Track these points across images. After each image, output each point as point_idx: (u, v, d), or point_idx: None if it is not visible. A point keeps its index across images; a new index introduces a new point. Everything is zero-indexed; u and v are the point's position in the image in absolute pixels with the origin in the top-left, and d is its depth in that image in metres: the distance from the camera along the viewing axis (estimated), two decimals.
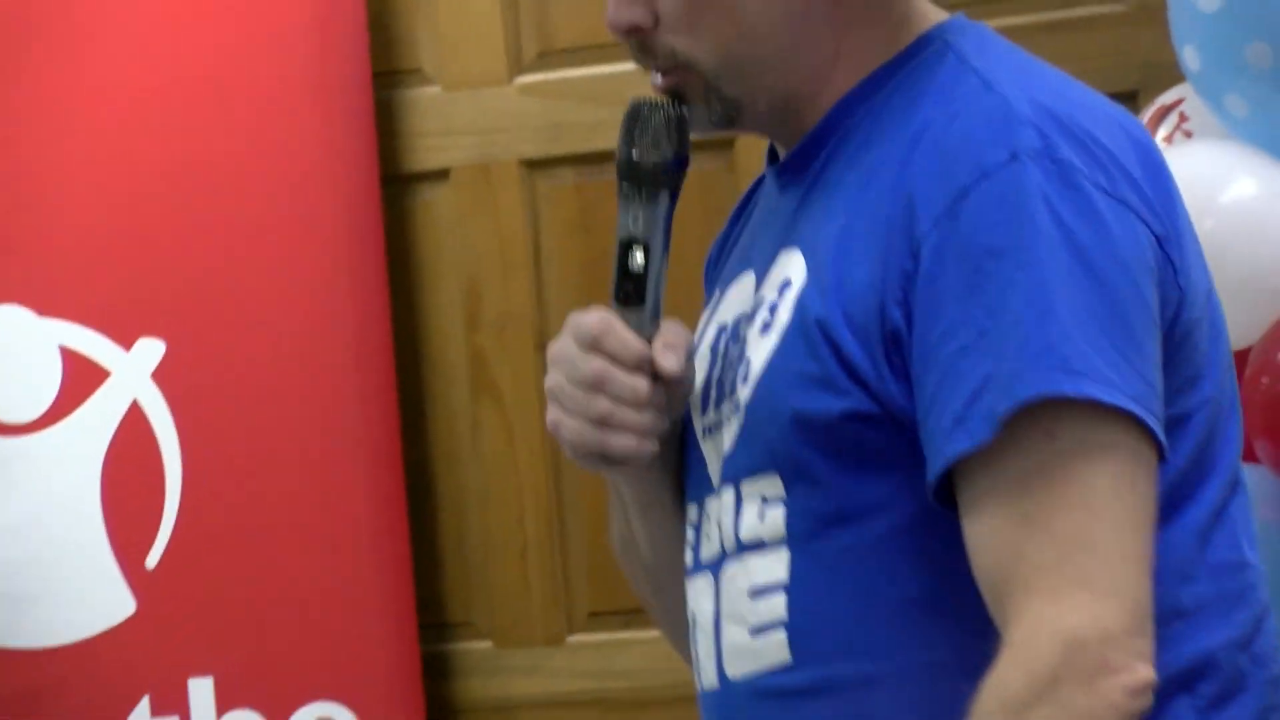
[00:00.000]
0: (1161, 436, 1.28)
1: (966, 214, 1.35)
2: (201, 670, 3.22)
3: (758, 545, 1.45)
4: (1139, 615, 1.26)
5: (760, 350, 1.43)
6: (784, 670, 1.45)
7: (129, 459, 3.28)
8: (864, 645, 1.41)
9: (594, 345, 1.42)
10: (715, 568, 1.49)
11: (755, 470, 1.46)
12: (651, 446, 1.46)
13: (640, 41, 1.48)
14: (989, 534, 1.33)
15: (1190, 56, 2.75)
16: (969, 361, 1.32)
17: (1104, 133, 1.36)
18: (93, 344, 3.29)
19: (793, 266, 1.44)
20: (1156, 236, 1.34)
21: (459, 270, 3.51)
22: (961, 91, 1.42)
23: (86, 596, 3.24)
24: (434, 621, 3.37)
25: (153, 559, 3.26)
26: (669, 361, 1.42)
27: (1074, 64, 3.32)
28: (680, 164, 1.48)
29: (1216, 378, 1.41)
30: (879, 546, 1.41)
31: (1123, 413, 1.27)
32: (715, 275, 1.65)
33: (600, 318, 1.44)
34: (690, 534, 1.53)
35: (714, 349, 1.51)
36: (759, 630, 1.46)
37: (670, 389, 1.45)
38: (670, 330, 1.45)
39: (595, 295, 3.45)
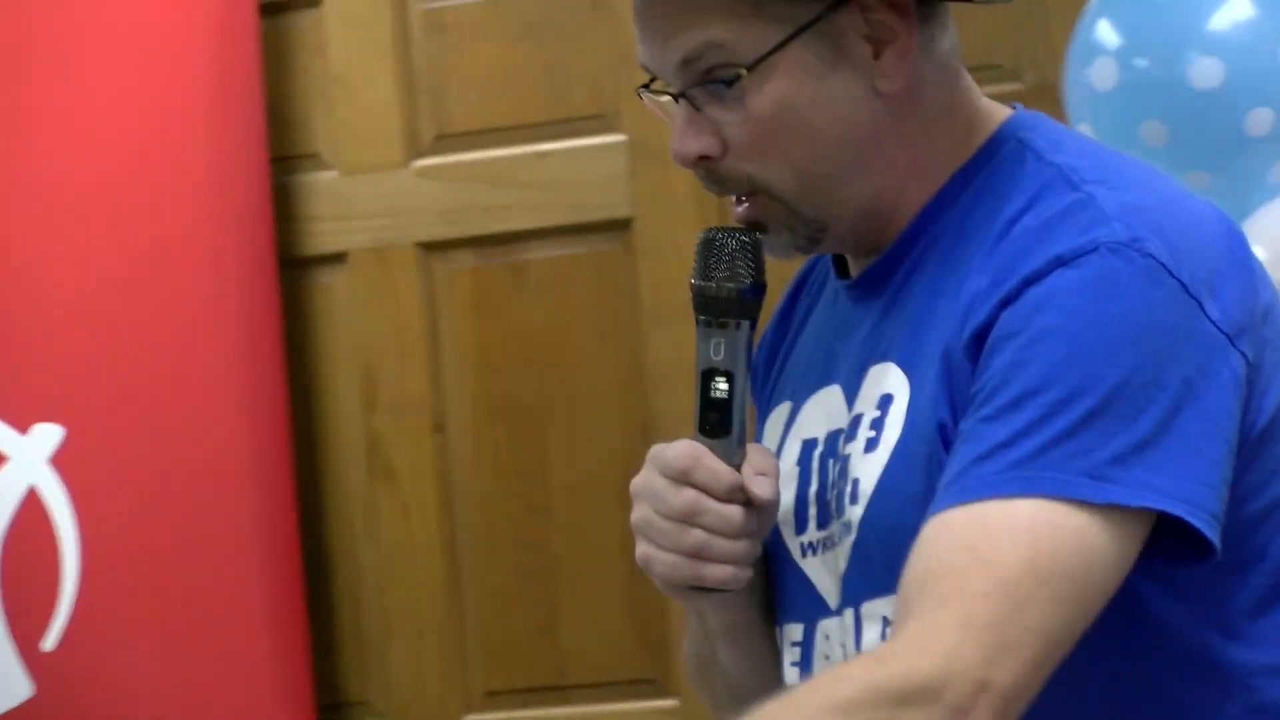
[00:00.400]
0: (1208, 534, 1.28)
1: (1037, 295, 1.37)
2: None
3: None
4: (1020, 697, 1.26)
5: (869, 469, 1.43)
6: None
7: (26, 542, 3.27)
8: None
9: (684, 477, 1.41)
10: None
11: (875, 592, 1.46)
12: (748, 574, 1.45)
13: (710, 170, 1.47)
14: (927, 549, 1.35)
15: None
16: (991, 429, 1.34)
17: (1193, 234, 1.36)
18: None
19: (891, 381, 1.44)
20: (1229, 335, 1.34)
21: (356, 354, 3.53)
22: (1047, 191, 1.42)
23: None
24: (332, 702, 3.37)
25: (50, 641, 3.24)
26: (764, 489, 1.42)
27: None
28: (757, 291, 1.46)
29: None
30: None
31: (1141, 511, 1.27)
32: (771, 382, 1.65)
33: (687, 449, 1.43)
34: (795, 652, 1.53)
35: (803, 465, 1.50)
36: None
37: (762, 515, 1.44)
38: (758, 456, 1.45)
39: (491, 377, 3.32)
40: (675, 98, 1.45)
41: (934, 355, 1.40)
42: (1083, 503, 1.27)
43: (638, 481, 1.44)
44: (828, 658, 1.46)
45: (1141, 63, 2.73)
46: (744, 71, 1.42)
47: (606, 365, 3.60)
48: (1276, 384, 1.37)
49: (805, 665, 1.49)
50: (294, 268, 3.54)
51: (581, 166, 3.62)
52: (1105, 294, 1.31)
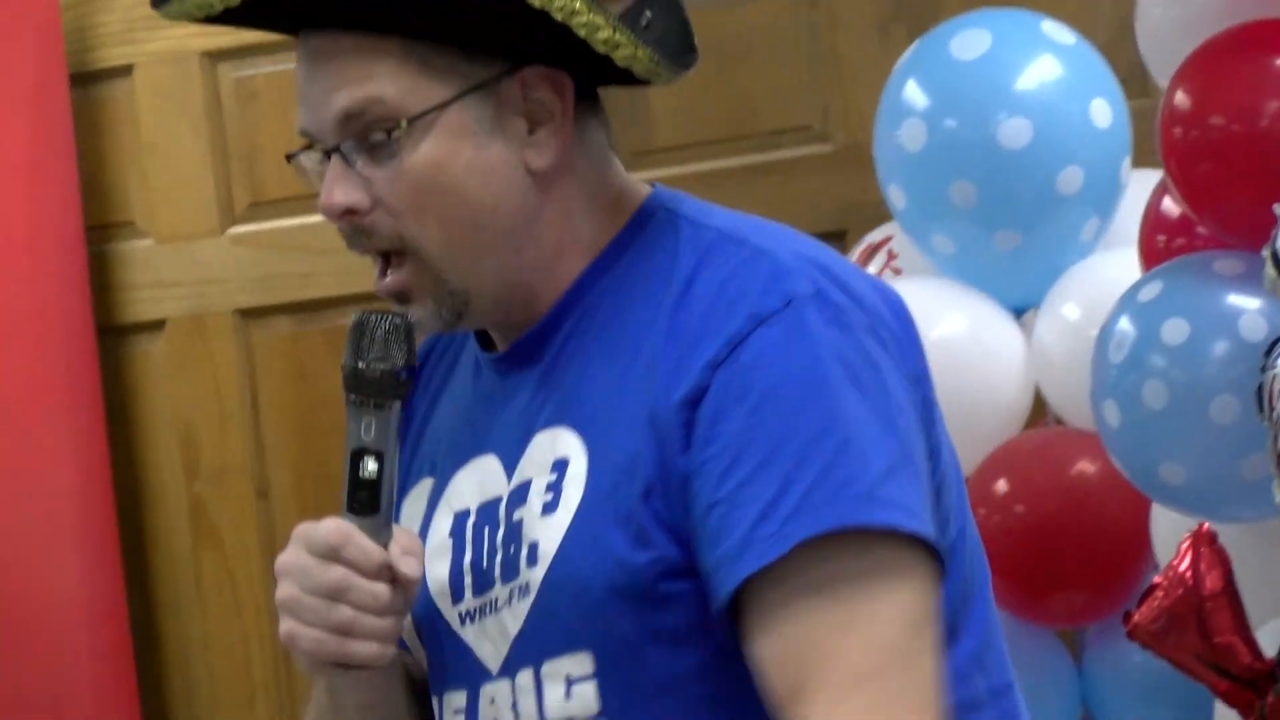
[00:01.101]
0: (945, 563, 1.36)
1: (746, 357, 1.39)
2: None
3: None
4: None
5: (550, 531, 1.44)
6: None
7: None
8: None
9: (333, 554, 1.40)
10: None
11: (557, 651, 1.47)
12: (392, 651, 1.46)
13: (356, 226, 1.47)
14: (794, 638, 1.38)
15: (896, 196, 2.84)
16: (752, 490, 1.38)
17: (857, 282, 1.42)
18: None
19: (564, 446, 1.45)
20: (915, 377, 1.41)
21: (177, 420, 3.56)
22: (715, 250, 1.46)
23: None
24: None
25: None
26: (411, 567, 1.43)
27: (783, 205, 3.31)
28: (410, 372, 1.47)
29: (963, 514, 1.47)
30: (696, 710, 1.45)
31: (919, 540, 1.33)
32: (403, 460, 1.60)
33: (336, 527, 1.42)
34: (459, 718, 1.53)
35: (457, 536, 1.51)
36: None
37: (406, 592, 1.45)
38: (405, 536, 1.45)
39: (312, 442, 3.21)
40: (328, 154, 1.46)
41: (625, 419, 1.44)
42: (884, 530, 1.34)
43: (284, 559, 1.43)
44: None
45: (950, 123, 2.78)
46: (404, 124, 1.45)
47: None
48: (938, 439, 1.43)
49: None
50: (112, 335, 3.55)
51: None
52: (808, 345, 1.37)
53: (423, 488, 1.57)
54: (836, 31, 3.47)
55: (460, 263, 1.45)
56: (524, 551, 1.44)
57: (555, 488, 1.45)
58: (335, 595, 1.38)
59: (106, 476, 3.42)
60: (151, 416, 3.58)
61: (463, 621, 1.48)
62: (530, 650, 1.45)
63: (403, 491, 1.57)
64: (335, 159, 1.43)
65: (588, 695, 1.44)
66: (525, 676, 1.46)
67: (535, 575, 1.43)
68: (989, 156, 2.74)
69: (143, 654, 3.43)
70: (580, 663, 1.45)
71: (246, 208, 3.62)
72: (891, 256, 3.00)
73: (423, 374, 1.60)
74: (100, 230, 3.55)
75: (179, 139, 3.56)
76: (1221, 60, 2.58)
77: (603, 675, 1.44)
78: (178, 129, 3.57)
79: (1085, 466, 2.89)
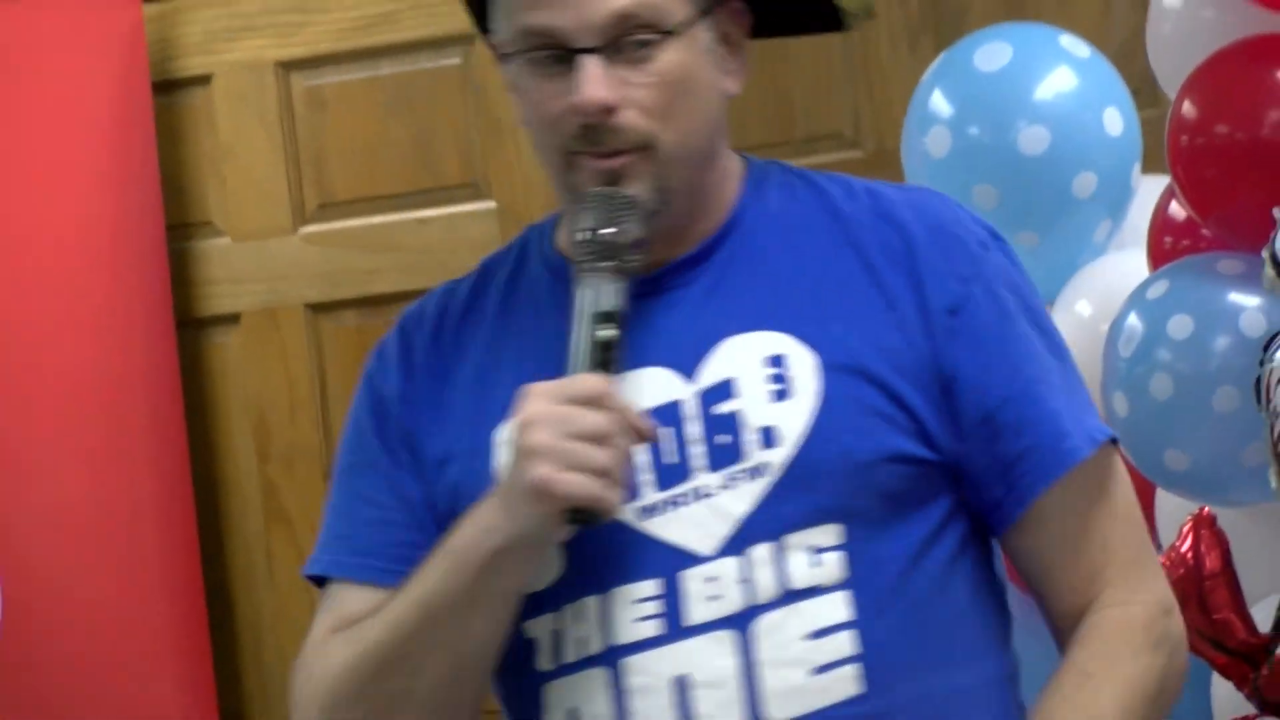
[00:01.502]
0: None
1: (989, 273, 1.59)
2: None
3: (810, 592, 1.55)
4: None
5: (789, 415, 1.54)
6: (855, 701, 1.55)
7: None
8: (935, 665, 1.56)
9: (596, 403, 1.46)
10: (741, 623, 1.55)
11: (803, 524, 1.55)
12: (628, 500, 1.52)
13: (603, 124, 1.54)
14: (1086, 529, 1.58)
15: None
16: (1043, 390, 1.58)
17: None
18: None
19: (773, 344, 1.56)
20: None
21: (250, 407, 3.66)
22: (874, 185, 1.65)
23: None
24: None
25: None
26: (651, 425, 1.51)
27: None
28: (642, 244, 1.55)
29: None
30: (936, 575, 1.57)
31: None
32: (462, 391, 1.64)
33: (597, 380, 1.49)
34: (646, 607, 1.55)
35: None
36: (824, 668, 1.55)
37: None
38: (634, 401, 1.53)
39: None
40: (579, 52, 1.53)
41: (855, 323, 1.57)
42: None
43: (533, 410, 1.46)
44: (714, 600, 1.53)
45: (973, 131, 2.79)
46: (675, 28, 1.54)
47: None
48: None
49: (672, 615, 1.53)
50: (191, 328, 3.67)
51: (453, 231, 3.74)
52: (1022, 271, 1.62)
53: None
54: (868, 44, 3.51)
55: (683, 167, 1.56)
56: (751, 437, 1.54)
57: (781, 379, 1.56)
58: (600, 440, 1.44)
59: (185, 458, 3.51)
60: (227, 403, 3.69)
61: (643, 516, 1.54)
62: (766, 526, 1.54)
63: (501, 417, 1.60)
64: (594, 58, 1.52)
65: (834, 564, 1.54)
66: (762, 551, 1.54)
67: (775, 456, 1.53)
68: (1009, 162, 2.78)
69: (217, 623, 3.54)
70: (828, 534, 1.55)
71: (316, 208, 3.73)
72: None
73: (443, 338, 1.66)
74: (180, 229, 3.66)
75: (253, 144, 3.67)
76: (1226, 73, 2.60)
77: (852, 546, 1.54)
78: (252, 134, 3.68)
79: None
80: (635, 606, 1.55)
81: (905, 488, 1.58)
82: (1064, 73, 2.80)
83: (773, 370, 1.58)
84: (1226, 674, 2.59)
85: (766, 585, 1.53)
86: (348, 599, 1.64)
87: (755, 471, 1.54)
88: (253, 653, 3.63)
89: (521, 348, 1.64)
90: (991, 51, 2.81)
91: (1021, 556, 1.63)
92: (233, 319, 3.72)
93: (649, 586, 1.55)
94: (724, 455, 1.54)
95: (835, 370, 1.56)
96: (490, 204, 3.73)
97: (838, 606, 1.55)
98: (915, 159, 2.85)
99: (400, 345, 1.70)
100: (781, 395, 1.57)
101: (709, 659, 1.53)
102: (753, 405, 1.54)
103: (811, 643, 1.54)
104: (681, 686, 1.54)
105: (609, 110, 1.54)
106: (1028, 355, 1.64)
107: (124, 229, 3.58)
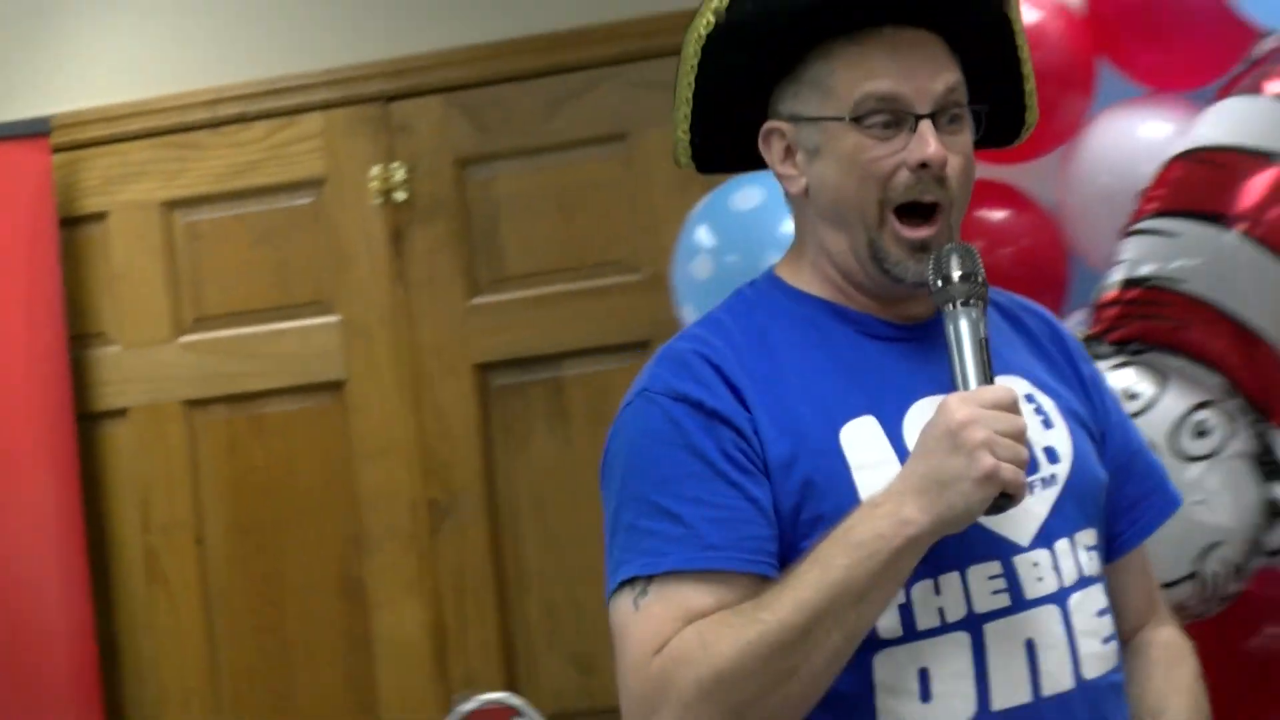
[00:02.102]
0: None
1: (1086, 357, 1.87)
2: None
3: (1092, 580, 1.75)
4: None
5: (1058, 438, 1.74)
6: (1116, 670, 1.77)
7: None
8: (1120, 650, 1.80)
9: (1013, 408, 1.60)
10: (1060, 600, 1.70)
11: (1080, 526, 1.75)
12: None
13: (937, 176, 1.69)
14: (1147, 561, 1.88)
15: (689, 313, 3.04)
16: (1146, 451, 1.90)
17: None
18: None
19: (1022, 385, 1.74)
20: None
21: (136, 487, 4.05)
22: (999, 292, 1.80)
23: None
24: None
25: None
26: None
27: (605, 321, 3.81)
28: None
29: None
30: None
31: None
32: (790, 405, 1.69)
33: (1010, 390, 1.63)
34: (997, 583, 1.67)
35: None
36: (1106, 640, 1.76)
37: None
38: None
39: (240, 504, 3.94)
40: (929, 117, 1.67)
41: (1053, 378, 1.79)
42: None
43: (967, 413, 1.56)
44: (1040, 580, 1.68)
45: (730, 258, 2.99)
46: (981, 109, 1.73)
47: (326, 492, 4.11)
48: None
49: (1014, 588, 1.67)
50: (88, 420, 4.05)
51: (305, 341, 4.11)
52: None
53: (865, 422, 1.70)
54: (647, 188, 3.91)
55: (957, 232, 1.72)
56: (1039, 454, 1.70)
57: (1041, 411, 1.75)
58: (1019, 438, 1.57)
59: (81, 528, 3.91)
60: (117, 483, 4.09)
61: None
62: (1062, 526, 1.72)
63: (838, 422, 1.70)
64: (928, 123, 1.67)
65: (1097, 559, 1.77)
66: (1063, 545, 1.73)
67: (1061, 470, 1.72)
68: None
69: (106, 668, 3.96)
70: (1091, 536, 1.77)
71: (192, 321, 4.14)
72: None
73: (739, 369, 1.71)
74: (80, 338, 4.07)
75: (141, 269, 4.09)
76: None
77: (1099, 547, 1.78)
78: (141, 261, 4.10)
79: None
80: (988, 581, 1.67)
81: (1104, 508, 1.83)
82: None
83: (1031, 405, 1.75)
84: None
85: (1069, 571, 1.71)
86: (689, 595, 1.64)
87: (1047, 481, 1.72)
88: (135, 692, 4.06)
89: (820, 366, 1.73)
90: (746, 194, 3.03)
91: (1109, 580, 1.82)
92: (122, 413, 4.11)
93: (993, 566, 1.68)
94: (1028, 465, 1.64)
95: (1067, 413, 1.77)
96: (336, 318, 4.09)
97: (1102, 593, 1.77)
98: (683, 282, 3.08)
99: (714, 373, 1.71)
100: (1047, 424, 1.75)
101: (1048, 626, 1.68)
102: (1032, 428, 1.67)
103: (1100, 619, 1.75)
104: (1031, 648, 1.68)
105: (943, 165, 1.68)
106: (1131, 422, 1.95)
107: (33, 338, 4.00)
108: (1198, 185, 2.74)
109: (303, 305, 4.17)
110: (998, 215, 3.16)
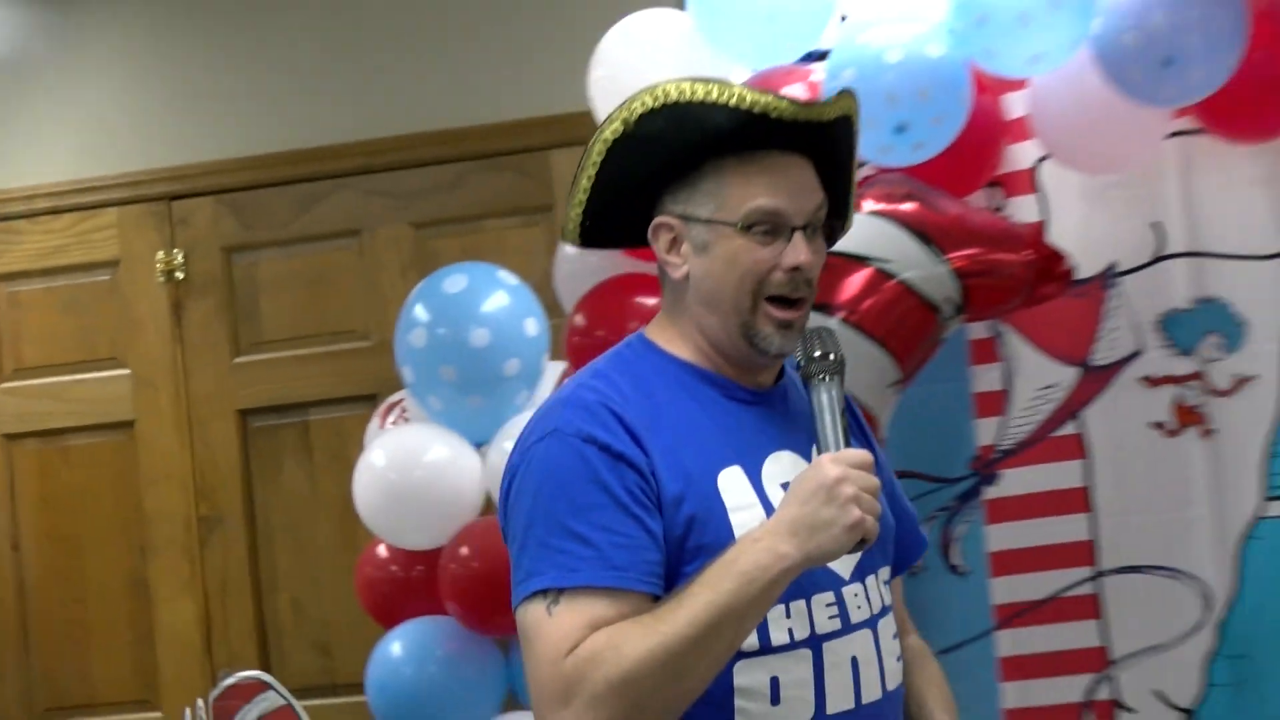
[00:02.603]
0: None
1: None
2: None
3: (888, 609, 1.84)
4: None
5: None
6: (903, 683, 1.87)
7: None
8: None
9: (869, 467, 1.65)
10: (872, 625, 1.79)
11: (880, 565, 1.83)
12: None
13: (806, 277, 1.74)
14: (900, 588, 1.95)
15: (407, 373, 3.09)
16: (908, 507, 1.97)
17: None
18: None
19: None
20: None
21: None
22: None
23: None
24: None
25: None
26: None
27: (345, 378, 4.14)
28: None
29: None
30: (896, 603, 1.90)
31: None
32: (678, 454, 1.72)
33: (864, 452, 1.66)
34: (831, 609, 1.74)
35: None
36: (898, 658, 1.85)
37: None
38: None
39: (50, 518, 4.45)
40: (796, 229, 1.73)
41: (863, 447, 1.80)
42: None
43: (837, 472, 1.61)
44: (856, 609, 1.75)
45: (441, 330, 3.03)
46: (833, 224, 1.81)
47: (118, 510, 4.39)
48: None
49: (843, 614, 1.74)
50: None
51: (103, 389, 4.38)
52: None
53: (734, 471, 1.75)
54: (377, 272, 4.22)
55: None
56: None
57: None
58: (875, 494, 1.63)
59: None
60: None
61: None
62: (870, 564, 1.81)
63: (716, 468, 1.74)
64: (804, 234, 1.74)
65: (888, 592, 1.86)
66: (871, 580, 1.81)
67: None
68: (465, 352, 3.01)
69: None
70: (886, 573, 1.86)
71: (11, 372, 4.46)
72: (404, 411, 3.28)
73: (637, 426, 1.73)
74: None
75: None
76: (603, 297, 2.92)
77: (889, 580, 1.88)
78: None
79: None
80: (826, 608, 1.74)
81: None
82: (500, 294, 3.07)
83: None
84: None
85: (876, 601, 1.80)
86: (596, 606, 1.65)
87: None
88: None
89: (696, 419, 1.77)
90: (454, 280, 3.09)
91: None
92: None
93: (829, 596, 1.75)
94: None
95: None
96: (127, 371, 4.36)
97: (893, 620, 1.85)
98: (403, 348, 3.08)
99: (618, 421, 1.71)
100: None
101: (865, 646, 1.76)
102: None
103: (895, 641, 1.84)
104: (855, 663, 1.76)
105: (811, 268, 1.75)
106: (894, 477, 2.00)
107: None
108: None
109: (101, 360, 4.43)
110: None
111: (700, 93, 1.70)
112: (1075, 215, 2.97)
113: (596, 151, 1.77)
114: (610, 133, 1.76)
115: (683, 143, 1.73)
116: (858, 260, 2.69)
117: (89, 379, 4.42)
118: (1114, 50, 2.61)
